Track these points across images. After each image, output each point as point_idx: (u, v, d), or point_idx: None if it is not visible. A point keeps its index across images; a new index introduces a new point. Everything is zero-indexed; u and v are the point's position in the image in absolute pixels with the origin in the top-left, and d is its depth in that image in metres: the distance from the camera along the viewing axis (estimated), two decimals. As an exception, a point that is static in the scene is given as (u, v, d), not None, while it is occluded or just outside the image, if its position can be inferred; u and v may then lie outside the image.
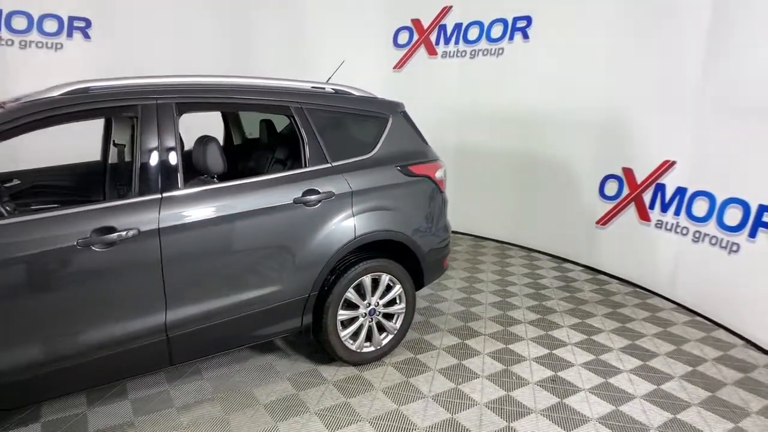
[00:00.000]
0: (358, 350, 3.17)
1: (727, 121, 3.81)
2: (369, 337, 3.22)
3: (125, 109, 2.48)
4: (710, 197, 3.99)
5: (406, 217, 3.22)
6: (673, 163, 4.30)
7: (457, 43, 6.06)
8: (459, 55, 6.06)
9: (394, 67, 6.50)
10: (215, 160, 2.74)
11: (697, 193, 4.09)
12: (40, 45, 5.93)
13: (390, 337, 3.30)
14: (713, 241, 3.95)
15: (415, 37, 6.34)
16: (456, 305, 4.18)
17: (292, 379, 3.06)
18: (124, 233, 2.31)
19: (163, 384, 2.97)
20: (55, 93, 2.35)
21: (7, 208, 2.45)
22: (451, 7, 6.05)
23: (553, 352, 3.44)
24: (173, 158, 2.51)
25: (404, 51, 6.43)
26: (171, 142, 2.51)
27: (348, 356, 3.13)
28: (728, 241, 3.82)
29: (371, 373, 3.13)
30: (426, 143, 3.52)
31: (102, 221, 2.28)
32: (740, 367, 3.33)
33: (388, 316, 3.28)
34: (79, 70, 6.04)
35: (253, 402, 2.82)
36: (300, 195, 2.82)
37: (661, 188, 4.41)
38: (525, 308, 4.15)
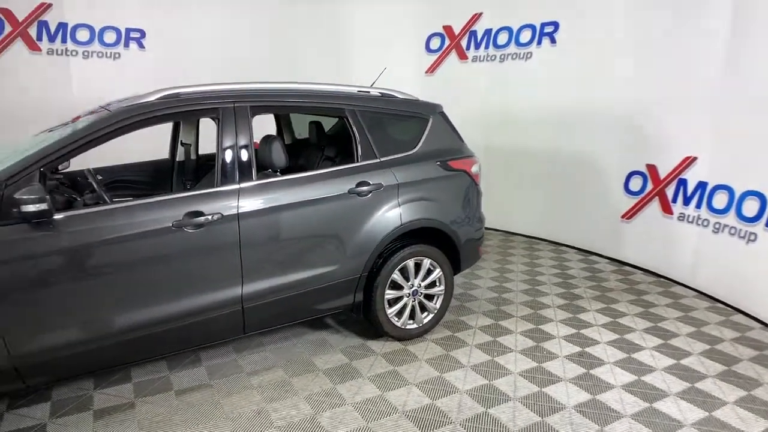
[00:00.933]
0: (403, 327, 3.53)
1: (746, 118, 4.05)
2: (412, 316, 3.57)
3: (209, 112, 2.90)
4: (729, 190, 4.23)
5: (446, 207, 3.57)
6: (695, 158, 4.55)
7: (487, 47, 6.39)
8: (489, 59, 6.38)
9: (426, 71, 6.86)
10: (279, 156, 3.13)
11: (718, 187, 4.33)
12: (100, 55, 6.46)
13: (431, 316, 3.65)
14: (732, 231, 4.20)
15: (447, 42, 6.69)
16: (488, 292, 4.51)
17: (345, 351, 3.44)
18: (210, 217, 2.71)
19: (231, 354, 3.38)
20: (152, 98, 2.77)
21: (109, 196, 2.89)
22: (481, 13, 6.38)
23: (581, 331, 3.74)
24: (248, 154, 2.91)
25: (436, 56, 6.78)
26: (247, 141, 2.91)
27: (393, 332, 3.50)
28: (746, 231, 4.06)
29: (415, 347, 3.49)
30: (462, 141, 3.87)
31: (193, 206, 2.69)
32: (757, 346, 3.58)
33: (429, 297, 3.63)
34: (135, 78, 6.58)
35: (312, 368, 3.21)
36: (354, 186, 3.20)
37: (683, 183, 4.67)
38: (554, 295, 4.45)
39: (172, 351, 2.88)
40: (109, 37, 6.47)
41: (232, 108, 2.91)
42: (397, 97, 3.65)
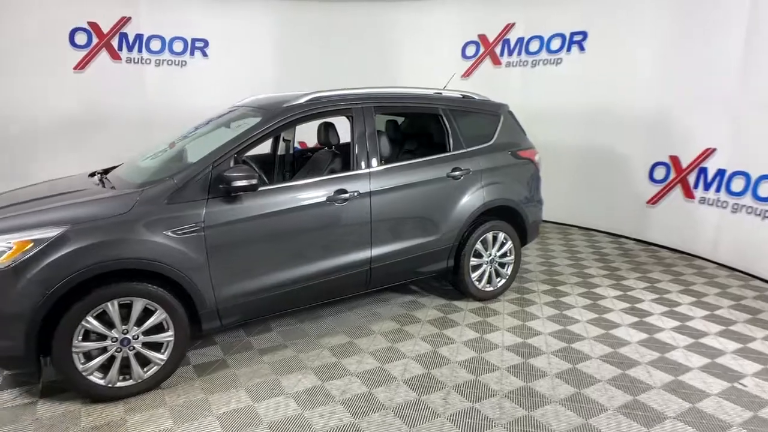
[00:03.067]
0: (482, 289, 4.25)
1: (760, 113, 4.81)
2: (489, 280, 4.29)
3: (345, 111, 3.61)
4: (746, 176, 5.00)
5: (517, 190, 4.31)
6: (714, 149, 5.32)
7: (519, 54, 7.15)
8: (521, 64, 7.14)
9: (463, 76, 7.59)
10: (386, 148, 3.85)
11: (735, 173, 5.10)
12: (169, 63, 7.16)
13: (503, 281, 4.37)
14: (749, 210, 4.97)
15: (482, 49, 7.44)
16: (539, 266, 5.25)
17: (437, 308, 4.15)
18: (352, 194, 3.43)
19: (344, 311, 4.08)
20: (302, 100, 3.48)
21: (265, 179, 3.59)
22: (514, 23, 7.14)
23: (627, 293, 4.49)
24: (374, 145, 3.63)
25: (471, 62, 7.53)
26: (373, 135, 3.63)
27: (476, 293, 4.22)
28: (762, 210, 4.84)
29: (494, 305, 4.22)
30: (525, 134, 4.60)
31: (339, 185, 3.41)
32: (773, 303, 4.35)
33: (502, 265, 4.35)
34: (199, 83, 7.27)
35: (417, 320, 3.92)
36: (450, 171, 3.92)
37: (703, 171, 5.44)
38: (595, 267, 5.20)
39: (320, 301, 3.60)
40: (177, 46, 7.16)
41: (361, 108, 3.63)
42: (474, 98, 4.39)
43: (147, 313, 2.88)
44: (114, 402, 2.86)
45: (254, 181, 2.96)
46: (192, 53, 7.30)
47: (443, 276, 4.19)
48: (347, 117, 3.64)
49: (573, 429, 2.62)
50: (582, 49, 6.54)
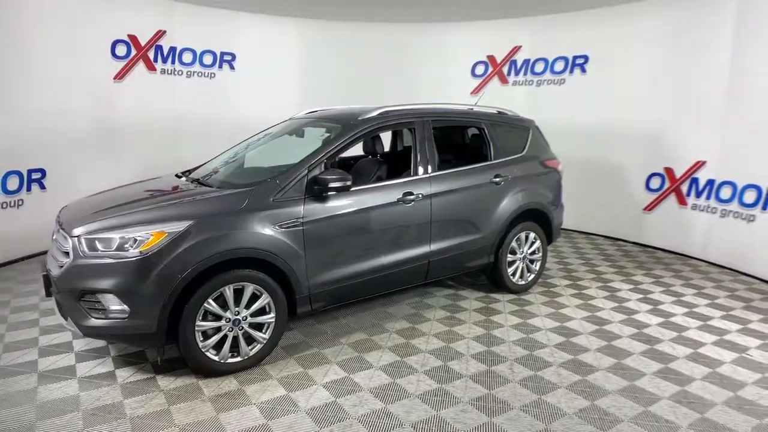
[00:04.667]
0: (516, 282, 4.81)
1: (745, 130, 5.55)
2: (521, 275, 4.85)
3: (408, 124, 4.14)
4: (733, 185, 5.72)
5: (546, 195, 4.90)
6: (704, 162, 6.05)
7: (525, 74, 7.82)
8: (527, 83, 7.81)
9: (472, 93, 8.22)
10: (437, 157, 4.38)
11: (724, 183, 5.82)
12: (200, 74, 7.55)
13: (532, 275, 4.94)
14: (736, 215, 5.68)
15: (490, 69, 8.09)
16: (555, 265, 5.85)
17: (477, 299, 4.69)
18: (417, 196, 3.94)
19: (398, 302, 4.57)
20: (375, 113, 3.99)
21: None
22: (521, 46, 7.81)
23: (638, 287, 5.11)
24: (432, 154, 4.16)
25: (480, 80, 8.17)
26: (432, 145, 4.16)
27: (511, 286, 4.78)
28: (747, 214, 5.56)
29: (527, 297, 4.78)
30: (548, 145, 5.21)
31: (407, 188, 3.92)
32: (762, 292, 5.02)
33: (531, 261, 4.92)
34: (226, 95, 7.69)
35: (464, 309, 4.44)
36: (493, 177, 4.48)
37: (695, 181, 6.16)
38: (605, 266, 5.83)
39: (389, 290, 4.10)
40: (207, 59, 7.57)
41: (422, 122, 4.17)
42: (507, 113, 4.98)
43: (253, 297, 3.31)
44: (225, 376, 3.28)
45: (348, 183, 3.45)
46: (220, 66, 7.70)
47: (483, 270, 4.71)
48: (409, 129, 4.16)
49: (623, 389, 3.18)
50: (584, 71, 7.24)
